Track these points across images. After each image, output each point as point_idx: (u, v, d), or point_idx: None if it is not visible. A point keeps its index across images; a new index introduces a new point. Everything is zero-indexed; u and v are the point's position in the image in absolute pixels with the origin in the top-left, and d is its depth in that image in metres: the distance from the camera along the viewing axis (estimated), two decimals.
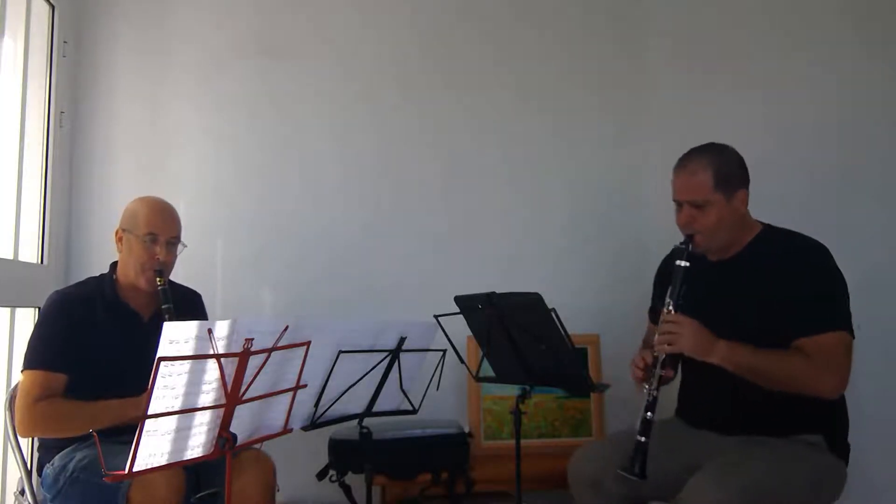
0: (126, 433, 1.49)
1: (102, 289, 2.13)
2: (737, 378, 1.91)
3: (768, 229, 2.11)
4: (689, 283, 1.95)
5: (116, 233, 2.15)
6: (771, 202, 2.83)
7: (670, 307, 1.95)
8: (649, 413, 1.91)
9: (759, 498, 1.78)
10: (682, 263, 1.95)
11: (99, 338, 2.04)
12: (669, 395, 2.29)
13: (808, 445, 1.97)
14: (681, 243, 2.00)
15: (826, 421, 2.01)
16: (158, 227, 2.11)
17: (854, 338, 1.93)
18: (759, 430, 2.00)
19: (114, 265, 2.19)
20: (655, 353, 1.94)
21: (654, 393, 1.92)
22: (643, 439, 1.88)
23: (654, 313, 2.28)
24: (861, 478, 2.20)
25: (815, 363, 1.88)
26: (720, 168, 1.99)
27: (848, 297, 1.97)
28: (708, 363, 1.91)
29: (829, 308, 1.93)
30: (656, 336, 1.95)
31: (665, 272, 2.25)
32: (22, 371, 2.01)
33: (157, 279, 2.06)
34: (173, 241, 2.15)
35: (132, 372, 1.68)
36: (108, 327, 2.07)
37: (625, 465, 1.89)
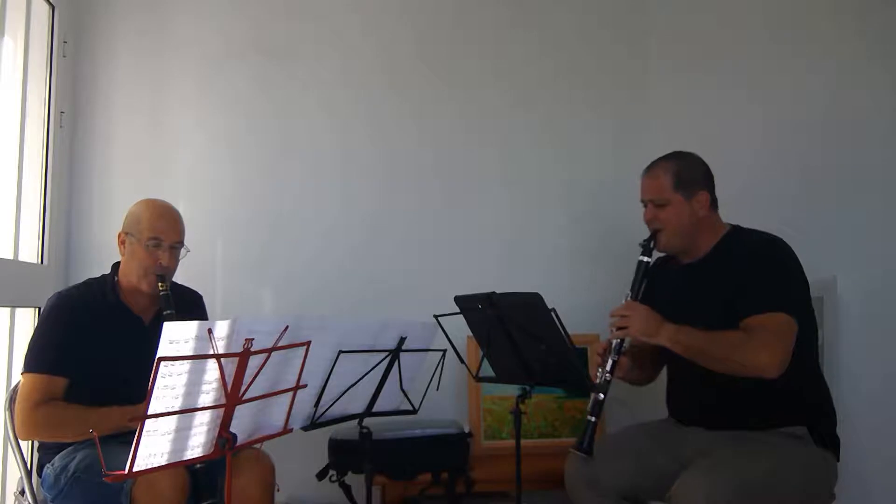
0: (127, 433, 1.49)
1: (104, 291, 2.12)
2: (721, 374, 1.94)
3: (735, 230, 2.18)
4: (652, 279, 2.12)
5: (119, 236, 2.14)
6: (770, 201, 2.87)
7: (627, 297, 2.09)
8: (601, 395, 2.03)
9: (753, 495, 1.80)
10: (644, 259, 2.13)
11: (99, 341, 2.02)
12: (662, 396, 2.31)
13: (794, 439, 1.99)
14: (645, 240, 2.15)
15: (810, 413, 2.03)
16: (162, 232, 2.10)
17: (798, 327, 1.94)
18: (744, 424, 2.03)
19: (115, 266, 2.18)
20: (610, 339, 2.06)
21: (608, 377, 2.05)
22: (593, 419, 2.01)
23: None
24: (855, 478, 2.21)
25: (751, 340, 1.91)
26: (680, 171, 2.14)
27: (802, 287, 2.03)
28: (693, 363, 1.97)
29: (776, 291, 1.98)
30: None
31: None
32: (22, 374, 2.01)
33: (160, 284, 2.05)
34: (177, 245, 2.14)
35: (133, 375, 1.67)
36: (109, 330, 2.06)
37: (575, 443, 2.00)
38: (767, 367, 1.90)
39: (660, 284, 2.19)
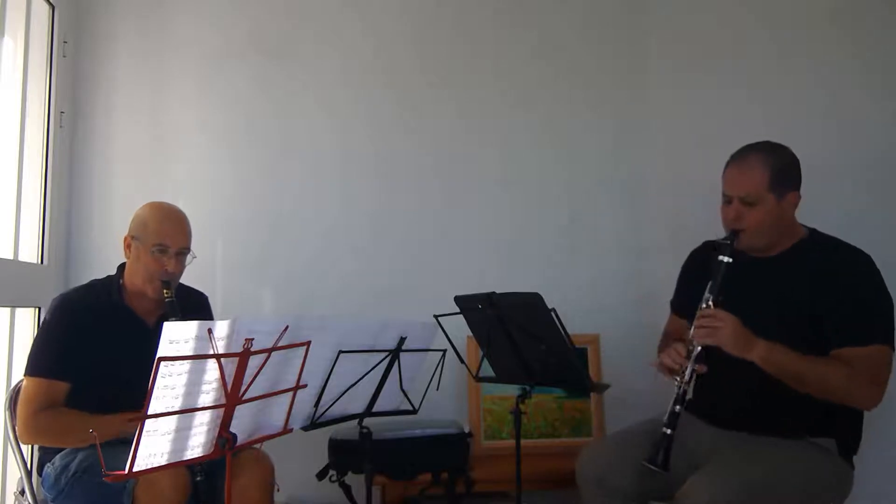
0: (128, 435, 1.49)
1: (109, 294, 2.11)
2: (758, 376, 1.89)
3: (814, 234, 2.10)
4: (701, 265, 1.99)
5: (125, 239, 2.12)
6: None
7: (709, 302, 1.93)
8: (678, 406, 1.90)
9: (758, 498, 1.79)
10: (725, 259, 1.93)
11: (102, 343, 2.02)
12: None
13: (816, 447, 1.96)
14: (724, 238, 1.98)
15: (841, 426, 1.99)
16: (168, 238, 2.08)
17: (895, 351, 1.91)
18: (772, 430, 1.98)
19: (121, 268, 2.16)
20: (691, 347, 1.92)
21: (685, 387, 1.91)
22: (669, 431, 1.88)
23: (679, 304, 2.28)
24: (867, 485, 2.18)
25: (856, 375, 1.86)
26: (776, 168, 1.98)
27: (892, 311, 1.94)
28: (731, 358, 1.89)
29: (872, 320, 1.91)
30: (693, 329, 1.92)
31: (694, 265, 2.25)
32: (24, 376, 2.00)
33: (165, 290, 2.03)
34: (183, 251, 2.12)
35: (136, 379, 1.65)
36: (113, 333, 2.05)
37: (648, 456, 1.89)
38: (870, 403, 1.89)
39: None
